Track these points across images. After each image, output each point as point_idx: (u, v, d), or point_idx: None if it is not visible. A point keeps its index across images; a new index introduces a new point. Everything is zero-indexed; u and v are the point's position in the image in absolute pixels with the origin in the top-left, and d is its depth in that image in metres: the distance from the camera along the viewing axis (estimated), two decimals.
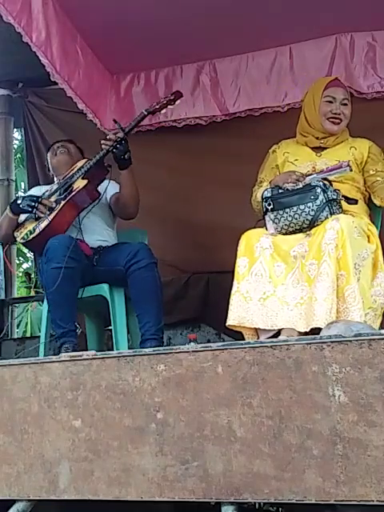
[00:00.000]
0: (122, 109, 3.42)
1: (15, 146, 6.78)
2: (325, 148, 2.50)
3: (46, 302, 2.53)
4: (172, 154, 3.51)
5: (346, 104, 2.50)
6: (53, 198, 2.63)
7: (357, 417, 1.35)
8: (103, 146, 2.54)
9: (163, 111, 2.55)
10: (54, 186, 2.73)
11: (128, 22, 2.93)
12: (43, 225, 2.52)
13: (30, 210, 2.56)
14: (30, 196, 2.65)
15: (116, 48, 3.17)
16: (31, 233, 2.56)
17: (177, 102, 2.52)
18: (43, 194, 2.72)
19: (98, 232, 2.67)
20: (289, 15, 2.92)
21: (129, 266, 2.44)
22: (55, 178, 2.88)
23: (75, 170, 2.68)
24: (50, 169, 2.92)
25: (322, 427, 1.37)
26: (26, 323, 7.68)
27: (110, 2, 2.81)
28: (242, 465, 1.41)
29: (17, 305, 4.17)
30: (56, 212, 2.52)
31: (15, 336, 4.21)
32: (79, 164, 2.69)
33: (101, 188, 2.66)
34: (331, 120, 2.47)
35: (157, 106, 2.48)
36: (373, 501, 1.31)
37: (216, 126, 3.40)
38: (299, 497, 1.36)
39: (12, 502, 1.63)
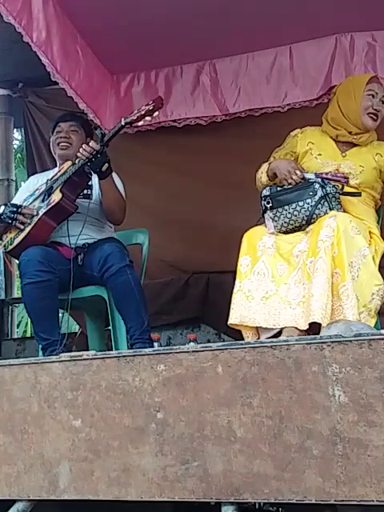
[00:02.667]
0: (122, 109, 3.41)
1: (15, 146, 6.78)
2: (354, 145, 2.44)
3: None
4: (172, 154, 3.51)
5: (383, 102, 2.44)
6: (36, 204, 2.59)
7: (357, 417, 1.35)
8: (79, 156, 2.46)
9: (141, 123, 2.49)
10: (43, 187, 2.67)
11: (128, 22, 2.93)
12: (20, 237, 2.52)
13: (9, 221, 2.55)
14: (12, 205, 2.62)
15: (116, 48, 3.17)
16: (10, 244, 2.56)
17: (155, 114, 2.44)
18: (33, 192, 2.68)
19: (82, 230, 2.57)
20: (289, 15, 2.91)
21: (102, 273, 2.42)
22: (57, 161, 2.80)
23: (61, 172, 2.61)
24: (54, 152, 2.80)
25: (322, 427, 1.37)
26: (26, 323, 7.68)
27: (110, 2, 2.81)
28: (242, 465, 1.41)
29: (17, 305, 4.17)
30: (32, 225, 2.51)
31: (15, 336, 4.22)
32: (65, 166, 2.61)
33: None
34: (370, 115, 2.40)
35: (134, 117, 2.43)
36: (373, 501, 1.31)
37: (216, 126, 3.40)
38: (299, 497, 1.36)
39: (12, 502, 1.63)
